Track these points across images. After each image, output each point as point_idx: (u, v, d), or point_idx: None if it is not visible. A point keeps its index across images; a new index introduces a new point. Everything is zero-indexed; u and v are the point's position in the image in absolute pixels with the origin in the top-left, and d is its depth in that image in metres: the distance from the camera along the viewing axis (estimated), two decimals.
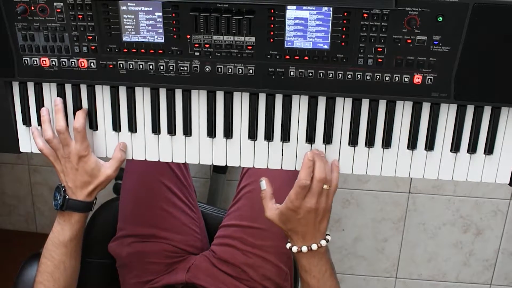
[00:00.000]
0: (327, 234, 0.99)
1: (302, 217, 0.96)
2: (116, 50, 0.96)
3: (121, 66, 0.97)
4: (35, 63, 0.98)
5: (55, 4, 0.94)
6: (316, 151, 0.98)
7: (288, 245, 1.00)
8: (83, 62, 0.98)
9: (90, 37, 0.96)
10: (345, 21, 0.90)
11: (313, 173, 0.95)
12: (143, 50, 0.96)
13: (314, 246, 0.97)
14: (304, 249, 0.97)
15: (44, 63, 0.98)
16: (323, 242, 0.98)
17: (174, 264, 1.28)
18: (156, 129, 1.02)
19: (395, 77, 0.93)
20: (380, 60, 0.92)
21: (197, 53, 0.95)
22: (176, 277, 1.26)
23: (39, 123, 1.04)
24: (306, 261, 0.99)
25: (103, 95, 1.02)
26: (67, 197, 1.02)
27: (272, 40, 0.93)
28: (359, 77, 0.94)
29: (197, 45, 0.94)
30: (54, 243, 1.04)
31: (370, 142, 0.99)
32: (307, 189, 0.95)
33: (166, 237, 1.28)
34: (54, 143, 1.01)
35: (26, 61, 0.98)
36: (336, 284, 1.02)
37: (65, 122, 1.00)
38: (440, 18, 0.88)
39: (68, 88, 1.01)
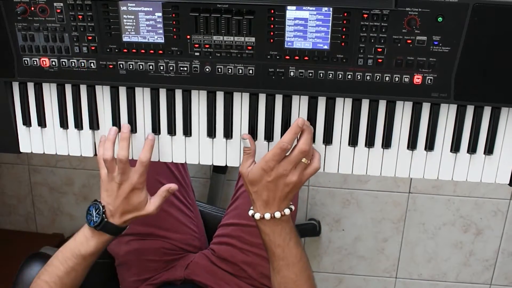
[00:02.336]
0: (291, 204, 0.98)
1: (271, 181, 0.94)
2: (116, 50, 0.96)
3: (121, 66, 0.97)
4: (35, 63, 0.98)
5: (55, 4, 0.94)
6: (308, 123, 0.97)
7: (251, 212, 0.99)
8: (83, 62, 0.98)
9: (90, 38, 0.96)
10: (345, 21, 0.90)
11: (297, 142, 0.95)
12: (143, 51, 0.96)
13: (277, 214, 0.96)
14: (267, 216, 0.96)
15: (44, 63, 0.98)
16: (287, 211, 0.97)
17: (172, 261, 1.28)
18: (156, 129, 1.02)
19: (395, 77, 0.93)
20: (380, 60, 0.92)
21: (197, 53, 0.95)
22: (174, 274, 1.26)
23: (39, 123, 1.04)
24: (269, 229, 0.97)
25: (103, 95, 1.02)
26: (105, 219, 1.01)
27: (272, 40, 0.93)
28: (359, 77, 0.94)
29: (197, 45, 0.94)
30: (74, 253, 1.02)
31: (370, 142, 0.99)
32: (285, 153, 0.94)
33: (164, 235, 1.28)
34: (110, 165, 0.99)
35: (26, 61, 0.98)
36: (301, 252, 1.00)
37: (127, 152, 0.98)
38: (440, 18, 0.88)
39: (68, 88, 1.01)
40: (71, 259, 1.02)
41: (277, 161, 0.94)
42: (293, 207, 0.98)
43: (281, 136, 0.99)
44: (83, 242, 1.02)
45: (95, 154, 1.05)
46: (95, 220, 1.01)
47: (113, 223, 1.01)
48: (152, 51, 0.95)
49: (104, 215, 1.01)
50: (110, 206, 1.01)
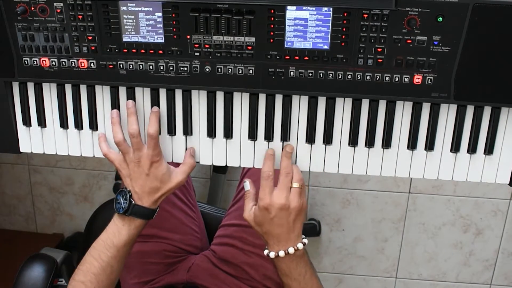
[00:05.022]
0: (303, 237, 0.99)
1: (275, 216, 0.96)
2: (116, 50, 0.96)
3: (121, 66, 0.97)
4: (35, 63, 0.98)
5: (55, 4, 0.94)
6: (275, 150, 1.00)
7: (266, 252, 1.00)
8: (83, 62, 0.98)
9: (90, 37, 0.96)
10: (345, 21, 0.90)
11: (280, 168, 0.97)
12: (143, 51, 0.96)
13: (291, 250, 0.97)
14: (281, 253, 0.97)
15: (44, 63, 0.98)
16: (300, 245, 0.98)
17: (174, 264, 1.28)
18: None
19: (395, 77, 0.93)
20: (380, 60, 0.92)
21: (197, 53, 0.95)
22: (176, 277, 1.26)
23: (39, 123, 1.04)
24: (285, 265, 0.99)
25: (103, 95, 1.02)
26: (133, 202, 0.99)
27: (272, 40, 0.93)
28: (359, 77, 0.94)
29: (197, 45, 0.94)
30: (107, 245, 1.00)
31: (370, 142, 0.99)
32: (271, 182, 0.96)
33: (165, 236, 1.28)
34: (124, 147, 0.99)
35: (26, 61, 0.98)
36: (317, 283, 1.02)
37: (138, 126, 0.98)
38: (440, 18, 0.88)
39: (68, 88, 1.01)
40: (104, 253, 1.00)
41: (270, 193, 0.96)
42: (306, 241, 0.99)
43: (281, 137, 1.00)
44: (115, 232, 1.00)
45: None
46: (123, 207, 0.99)
47: (142, 205, 0.99)
48: (152, 51, 0.95)
49: (131, 199, 0.99)
50: (136, 189, 0.99)
